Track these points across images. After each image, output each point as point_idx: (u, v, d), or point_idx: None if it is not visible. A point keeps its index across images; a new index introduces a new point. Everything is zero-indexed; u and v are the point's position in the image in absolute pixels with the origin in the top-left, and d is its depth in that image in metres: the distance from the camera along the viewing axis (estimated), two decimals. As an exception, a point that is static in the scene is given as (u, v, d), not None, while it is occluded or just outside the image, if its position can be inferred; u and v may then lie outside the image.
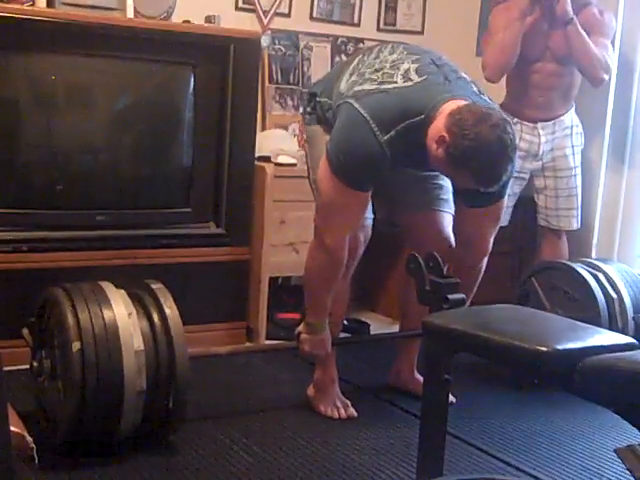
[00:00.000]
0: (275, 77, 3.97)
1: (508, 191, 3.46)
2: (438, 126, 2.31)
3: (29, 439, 1.66)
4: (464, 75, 2.54)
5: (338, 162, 2.44)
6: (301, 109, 2.88)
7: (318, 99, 2.70)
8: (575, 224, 3.65)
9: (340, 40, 4.13)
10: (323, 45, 4.10)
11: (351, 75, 2.58)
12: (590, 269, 3.16)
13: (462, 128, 2.24)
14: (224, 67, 3.37)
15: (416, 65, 2.47)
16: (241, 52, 3.38)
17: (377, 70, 2.50)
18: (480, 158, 2.25)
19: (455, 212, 2.72)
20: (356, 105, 2.41)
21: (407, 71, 2.45)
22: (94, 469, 2.28)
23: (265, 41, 3.85)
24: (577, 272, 3.13)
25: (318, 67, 3.97)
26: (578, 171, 3.62)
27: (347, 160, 2.43)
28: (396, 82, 2.43)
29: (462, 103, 2.34)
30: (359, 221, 2.57)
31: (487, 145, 2.24)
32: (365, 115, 2.39)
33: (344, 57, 4.03)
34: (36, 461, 1.64)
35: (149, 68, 3.34)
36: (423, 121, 2.36)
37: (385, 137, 2.38)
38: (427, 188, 2.78)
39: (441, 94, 2.38)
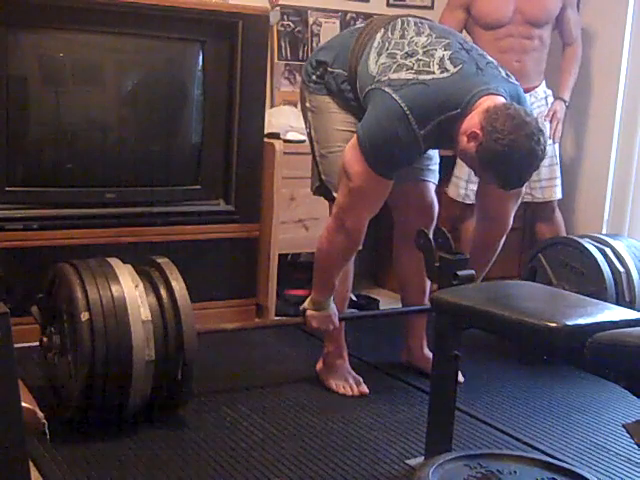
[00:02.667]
0: (284, 53, 3.95)
1: None
2: (473, 121, 2.30)
3: (40, 414, 1.67)
4: (490, 59, 2.52)
5: (372, 150, 2.42)
6: (304, 75, 2.78)
7: (330, 69, 2.65)
8: (559, 193, 3.64)
9: (349, 16, 4.10)
10: (332, 21, 4.07)
11: (379, 55, 2.51)
12: (597, 244, 3.16)
13: (497, 131, 2.23)
14: (233, 43, 3.35)
15: (449, 52, 2.44)
16: (250, 28, 3.37)
17: (410, 55, 2.45)
18: (508, 165, 2.26)
19: (478, 188, 2.72)
20: (395, 96, 2.37)
21: (442, 59, 2.42)
22: (105, 443, 2.30)
23: (274, 17, 3.83)
24: (584, 247, 3.13)
25: (327, 43, 3.94)
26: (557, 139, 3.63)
27: (382, 151, 2.41)
28: (433, 72, 2.39)
29: (499, 101, 2.33)
30: (380, 206, 2.57)
31: (518, 155, 2.24)
32: (404, 108, 2.35)
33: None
34: (48, 436, 1.66)
35: (157, 45, 3.33)
36: (458, 114, 2.35)
37: (422, 131, 2.37)
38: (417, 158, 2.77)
39: (477, 87, 2.36)
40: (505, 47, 3.52)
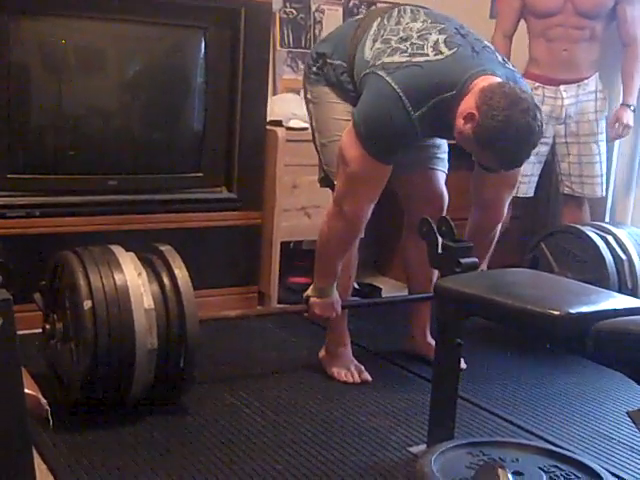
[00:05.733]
0: (287, 41, 3.94)
1: (532, 159, 3.49)
2: (469, 102, 2.30)
3: (44, 401, 1.67)
4: (487, 43, 2.52)
5: (367, 135, 2.42)
6: (305, 68, 2.81)
7: (329, 60, 2.66)
8: (599, 191, 3.62)
9: (352, 3, 4.09)
10: (335, 8, 4.06)
11: (374, 41, 2.52)
12: (599, 232, 3.16)
13: (492, 108, 2.23)
14: (235, 31, 3.34)
15: (444, 36, 2.44)
16: (252, 15, 3.36)
17: (404, 39, 2.46)
18: (506, 141, 2.25)
19: (473, 176, 2.71)
20: (388, 79, 2.38)
21: (436, 43, 2.42)
22: (107, 430, 2.30)
23: (276, 4, 3.81)
24: (586, 235, 3.13)
25: (330, 30, 3.92)
26: (602, 137, 3.58)
27: (377, 134, 2.41)
28: (427, 55, 2.39)
29: (494, 80, 2.33)
30: (380, 191, 2.57)
31: (515, 130, 2.23)
32: (398, 91, 2.35)
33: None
34: (51, 423, 1.66)
35: (160, 32, 3.32)
36: (454, 96, 2.34)
37: (417, 113, 2.36)
38: (424, 147, 2.77)
39: (472, 68, 2.36)
40: (554, 36, 3.48)
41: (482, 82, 2.32)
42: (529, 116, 2.24)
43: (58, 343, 2.42)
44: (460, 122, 2.32)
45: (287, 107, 3.64)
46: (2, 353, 1.36)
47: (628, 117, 3.52)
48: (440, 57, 2.39)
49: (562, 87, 3.51)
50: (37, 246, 2.99)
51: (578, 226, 3.25)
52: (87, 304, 2.26)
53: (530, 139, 2.28)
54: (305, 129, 3.50)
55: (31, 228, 3.04)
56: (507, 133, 2.23)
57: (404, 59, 2.41)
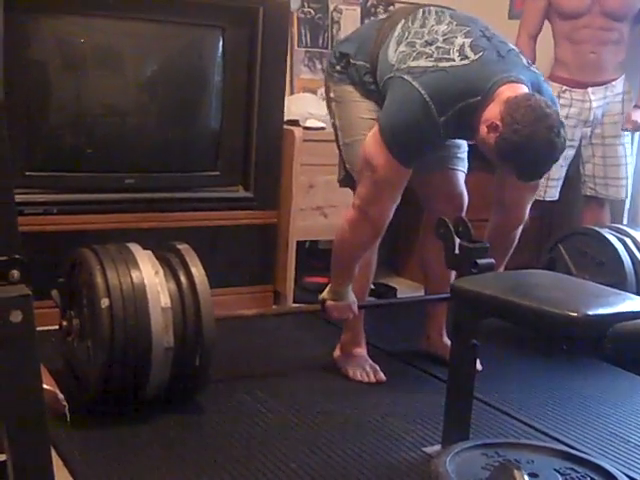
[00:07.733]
0: (304, 40, 3.94)
1: (560, 162, 3.47)
2: (493, 111, 2.29)
3: (61, 396, 1.69)
4: (512, 46, 2.51)
5: (394, 139, 2.41)
6: (328, 66, 2.79)
7: (353, 61, 2.64)
8: (623, 193, 3.60)
9: (370, 3, 4.09)
10: (353, 8, 4.06)
11: (398, 44, 2.51)
12: (617, 234, 3.15)
13: (517, 122, 2.22)
14: (253, 30, 3.35)
15: (469, 40, 2.43)
16: (270, 15, 3.36)
17: (429, 43, 2.45)
18: (527, 156, 2.25)
19: (495, 178, 2.70)
20: (415, 84, 2.37)
21: (462, 47, 2.41)
22: (123, 427, 2.31)
23: (294, 3, 3.82)
24: (604, 237, 3.12)
25: (348, 30, 3.92)
26: (629, 140, 3.56)
27: (404, 139, 2.41)
28: (453, 59, 2.39)
29: (520, 90, 2.32)
30: (401, 192, 2.56)
31: (538, 146, 2.23)
32: (425, 96, 2.35)
33: (374, 20, 3.98)
34: (68, 418, 1.67)
35: (178, 31, 3.33)
36: (479, 102, 2.34)
37: (443, 118, 2.36)
38: (444, 146, 2.74)
39: (498, 74, 2.35)
40: (581, 38, 3.46)
41: (508, 91, 2.31)
42: (553, 133, 2.23)
43: (75, 340, 2.43)
44: (484, 130, 2.31)
45: (304, 107, 3.65)
46: (22, 348, 1.37)
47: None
48: (466, 62, 2.38)
49: (590, 90, 3.49)
50: (55, 243, 3.00)
51: (596, 228, 3.23)
52: (104, 302, 2.27)
53: (552, 156, 2.28)
54: (322, 129, 3.50)
55: (49, 225, 3.06)
56: (529, 149, 2.23)
57: (430, 64, 2.40)
